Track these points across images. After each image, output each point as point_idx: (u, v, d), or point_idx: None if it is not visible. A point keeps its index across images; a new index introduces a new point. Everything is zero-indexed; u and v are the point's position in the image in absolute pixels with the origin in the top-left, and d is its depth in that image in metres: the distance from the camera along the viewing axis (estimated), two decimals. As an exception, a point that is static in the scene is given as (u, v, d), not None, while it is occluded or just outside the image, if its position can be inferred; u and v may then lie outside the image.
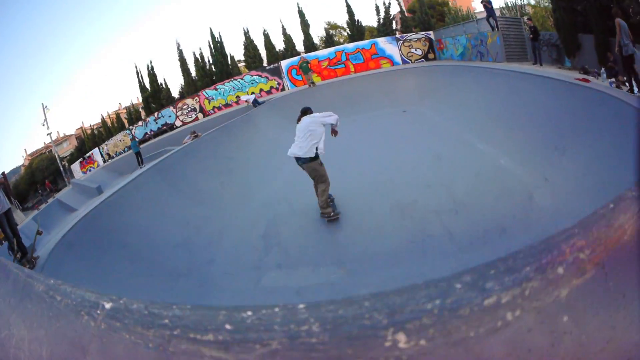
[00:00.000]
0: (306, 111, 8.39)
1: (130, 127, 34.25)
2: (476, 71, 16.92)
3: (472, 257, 5.88)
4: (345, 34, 35.27)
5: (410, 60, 27.01)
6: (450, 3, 45.71)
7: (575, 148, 8.10)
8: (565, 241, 1.04)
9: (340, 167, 10.30)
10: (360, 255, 6.71)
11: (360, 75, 25.10)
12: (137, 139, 28.01)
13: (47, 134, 39.18)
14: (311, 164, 7.79)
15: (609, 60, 13.86)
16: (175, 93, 38.76)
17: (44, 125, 37.96)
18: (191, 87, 35.14)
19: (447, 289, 0.91)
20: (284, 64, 28.47)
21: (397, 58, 27.10)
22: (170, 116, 30.86)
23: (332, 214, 7.83)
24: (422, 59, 26.83)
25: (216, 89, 29.81)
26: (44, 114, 37.85)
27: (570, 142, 8.28)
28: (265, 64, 33.25)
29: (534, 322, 0.92)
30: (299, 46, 33.77)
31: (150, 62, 37.61)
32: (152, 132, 31.50)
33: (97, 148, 34.41)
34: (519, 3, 37.69)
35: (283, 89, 27.87)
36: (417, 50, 27.08)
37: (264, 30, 34.82)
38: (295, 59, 28.73)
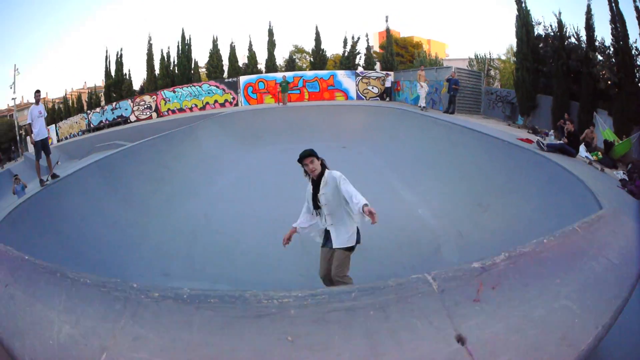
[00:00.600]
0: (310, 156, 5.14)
1: (88, 111, 34.45)
2: (422, 119, 17.46)
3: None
4: (309, 60, 36.34)
5: (365, 97, 27.96)
6: (424, 46, 47.41)
7: (499, 206, 8.43)
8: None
9: (253, 195, 11.23)
10: (257, 282, 7.00)
11: (312, 104, 25.90)
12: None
13: (12, 98, 39.21)
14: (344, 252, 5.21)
15: (565, 119, 14.55)
16: (136, 86, 38.89)
17: (11, 88, 38.52)
18: (152, 85, 35.38)
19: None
20: (243, 79, 29.15)
21: (353, 93, 28.04)
22: (127, 109, 31.13)
23: None
24: (377, 98, 27.73)
25: (174, 92, 30.25)
26: (14, 76, 38.31)
27: (495, 200, 8.61)
28: (225, 76, 33.85)
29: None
30: (261, 64, 34.59)
31: (121, 49, 37.88)
32: (107, 122, 31.70)
33: (53, 125, 34.32)
34: (488, 57, 39.20)
35: (237, 105, 28.49)
36: (374, 88, 28.05)
37: (232, 42, 35.48)
38: (254, 77, 29.54)
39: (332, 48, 64.90)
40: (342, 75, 28.45)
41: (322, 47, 34.47)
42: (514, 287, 1.51)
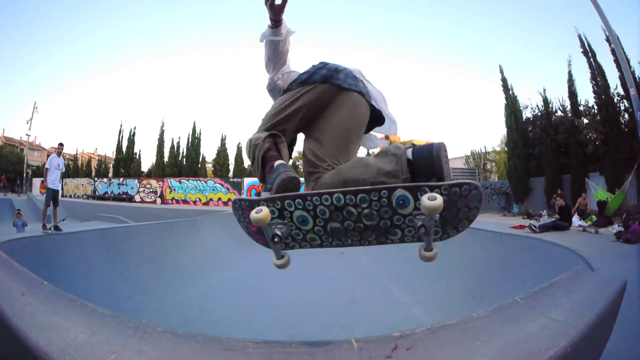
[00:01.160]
0: None
1: (96, 178, 35.65)
2: None
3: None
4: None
5: None
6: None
7: (495, 297, 7.92)
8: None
9: (246, 294, 11.36)
10: None
11: None
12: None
13: (27, 134, 39.89)
14: None
15: (556, 195, 14.59)
16: (144, 167, 40.28)
17: (27, 123, 38.77)
18: (160, 170, 36.27)
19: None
20: (247, 181, 29.64)
21: None
22: (133, 188, 32.00)
23: None
24: None
25: (180, 182, 31.05)
26: (32, 113, 38.84)
27: (489, 291, 8.51)
28: (230, 175, 34.75)
29: None
30: (266, 169, 35.43)
31: (134, 128, 39.86)
32: (112, 194, 32.52)
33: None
34: (484, 151, 40.20)
35: None
36: None
37: (239, 143, 36.52)
38: (257, 180, 30.00)
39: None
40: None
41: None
42: (429, 348, 1.66)
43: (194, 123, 40.39)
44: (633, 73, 15.93)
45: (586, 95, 24.11)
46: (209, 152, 69.39)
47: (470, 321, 2.10)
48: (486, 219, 17.80)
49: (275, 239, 2.02)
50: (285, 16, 2.60)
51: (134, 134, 39.15)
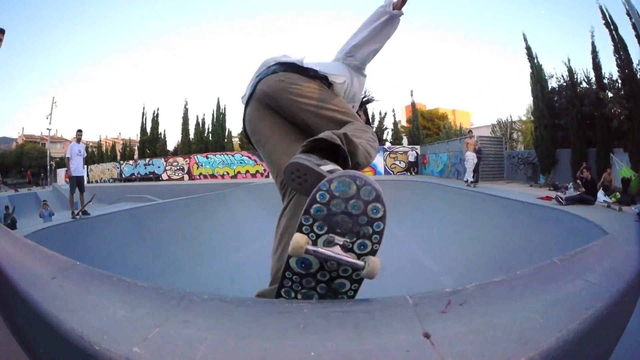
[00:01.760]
0: None
1: (121, 161, 35.61)
2: (446, 190, 17.63)
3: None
4: (339, 135, 37.20)
5: (393, 172, 28.22)
6: (449, 117, 47.50)
7: (521, 266, 8.20)
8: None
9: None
10: None
11: None
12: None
13: (47, 129, 40.08)
14: None
15: (582, 168, 13.84)
16: (170, 146, 40.13)
17: (47, 118, 39.24)
18: (186, 147, 36.34)
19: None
20: None
21: (381, 168, 28.32)
22: (159, 167, 32.08)
23: None
24: (405, 172, 27.85)
25: (207, 158, 30.97)
26: (51, 108, 39.24)
27: (516, 261, 8.40)
28: None
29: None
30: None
31: (157, 109, 39.48)
32: (139, 175, 32.72)
33: (85, 166, 35.64)
34: (510, 120, 39.14)
35: (267, 177, 28.60)
36: (401, 162, 28.33)
37: None
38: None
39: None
40: (371, 151, 28.73)
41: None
42: (480, 303, 1.63)
43: (218, 99, 40.65)
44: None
45: (610, 68, 22.90)
46: (234, 127, 69.80)
47: (515, 279, 2.02)
48: (513, 188, 17.49)
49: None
50: None
51: (157, 115, 39.07)
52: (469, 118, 64.37)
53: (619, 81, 18.61)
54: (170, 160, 32.46)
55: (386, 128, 36.30)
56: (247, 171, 29.93)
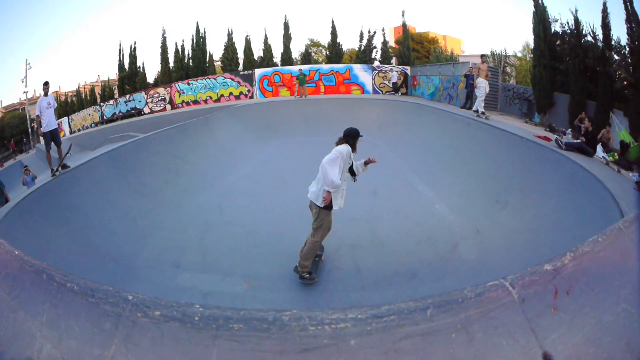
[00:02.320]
0: (347, 138, 6.22)
1: (102, 103, 34.45)
2: (439, 113, 16.98)
3: (372, 295, 6.01)
4: (325, 54, 36.08)
5: (381, 91, 27.62)
6: (440, 42, 46.54)
7: (517, 204, 8.16)
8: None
9: (268, 187, 11.06)
10: (265, 275, 6.83)
11: (329, 97, 25.60)
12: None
13: (24, 92, 39.24)
14: (317, 210, 6.13)
15: (582, 117, 13.96)
16: (150, 79, 38.80)
17: (23, 82, 38.34)
18: (166, 77, 35.27)
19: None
20: (258, 72, 28.92)
21: (369, 87, 27.74)
22: (140, 101, 31.09)
23: (307, 275, 6.42)
24: (393, 92, 27.38)
25: (189, 84, 30.13)
26: (26, 70, 38.13)
27: (513, 198, 8.37)
28: (240, 68, 33.66)
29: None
30: (277, 58, 34.34)
31: (134, 43, 37.45)
32: (121, 114, 31.71)
33: (66, 117, 34.73)
34: (504, 54, 38.99)
35: (252, 97, 28.36)
36: (390, 82, 27.70)
37: (247, 35, 35.30)
38: (269, 69, 29.31)
39: (348, 42, 64.29)
40: (359, 69, 28.06)
41: (338, 41, 34.11)
42: (583, 291, 1.43)
43: (197, 23, 39.32)
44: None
45: (619, 34, 21.96)
46: (216, 50, 67.29)
47: (601, 249, 1.69)
48: (508, 121, 17.12)
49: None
50: None
51: (134, 49, 37.58)
52: (460, 45, 62.71)
53: (627, 49, 18.14)
54: (151, 92, 31.28)
55: (375, 47, 34.77)
56: (231, 93, 29.01)
